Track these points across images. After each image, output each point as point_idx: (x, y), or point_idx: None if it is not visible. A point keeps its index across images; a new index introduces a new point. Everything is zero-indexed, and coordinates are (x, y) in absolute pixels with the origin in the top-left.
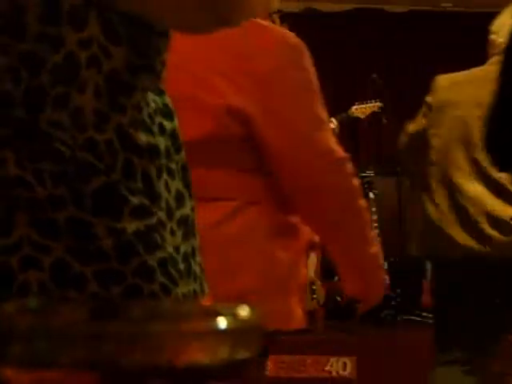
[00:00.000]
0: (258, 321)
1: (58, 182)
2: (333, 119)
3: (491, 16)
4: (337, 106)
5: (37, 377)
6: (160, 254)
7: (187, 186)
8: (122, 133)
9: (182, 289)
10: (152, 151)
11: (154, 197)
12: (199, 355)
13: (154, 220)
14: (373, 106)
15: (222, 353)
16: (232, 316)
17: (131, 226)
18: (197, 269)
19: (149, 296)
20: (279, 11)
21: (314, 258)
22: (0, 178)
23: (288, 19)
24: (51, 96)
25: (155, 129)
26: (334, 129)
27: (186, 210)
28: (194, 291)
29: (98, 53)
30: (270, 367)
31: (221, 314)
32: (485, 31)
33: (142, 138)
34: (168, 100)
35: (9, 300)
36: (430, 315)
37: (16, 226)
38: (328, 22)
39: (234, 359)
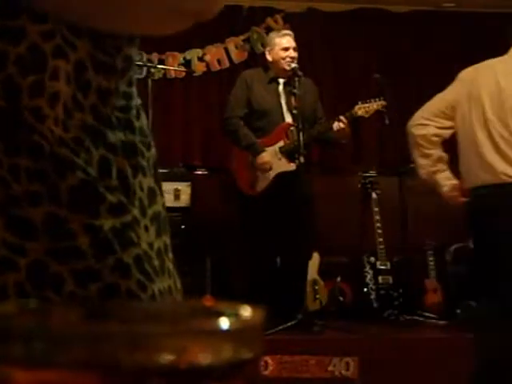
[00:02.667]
0: (260, 321)
1: (33, 177)
2: (342, 117)
3: (493, 16)
4: (339, 107)
5: (36, 377)
6: (135, 251)
7: (158, 182)
8: (93, 130)
9: (158, 285)
10: (127, 149)
11: (129, 194)
12: (201, 355)
13: (129, 217)
14: (376, 104)
15: (225, 353)
16: (234, 316)
17: (108, 223)
18: (170, 265)
19: (126, 293)
20: (282, 11)
21: (316, 258)
22: None
23: (291, 19)
24: (24, 86)
25: (126, 127)
26: (344, 128)
27: (158, 207)
28: (169, 288)
29: (63, 44)
30: (273, 367)
31: (223, 314)
32: (487, 31)
33: (116, 135)
34: (137, 99)
35: None
36: (433, 315)
37: None
38: (330, 22)
39: (237, 359)
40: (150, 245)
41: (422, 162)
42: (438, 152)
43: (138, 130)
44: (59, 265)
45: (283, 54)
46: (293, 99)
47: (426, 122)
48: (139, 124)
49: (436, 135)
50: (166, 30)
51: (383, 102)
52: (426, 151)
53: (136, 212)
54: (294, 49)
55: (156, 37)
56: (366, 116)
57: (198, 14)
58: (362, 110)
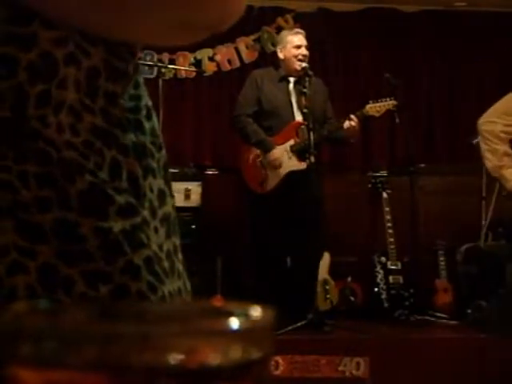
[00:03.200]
0: (270, 321)
1: (42, 183)
2: (352, 116)
3: (505, 16)
4: (349, 106)
5: (45, 377)
6: (146, 253)
7: (168, 183)
8: (104, 132)
9: (168, 287)
10: (137, 150)
11: (139, 196)
12: (211, 356)
13: (139, 219)
14: (387, 104)
15: (234, 353)
16: (244, 316)
17: (117, 226)
18: (179, 266)
19: (136, 295)
20: (292, 11)
21: (327, 258)
22: None
23: (301, 19)
24: (32, 94)
25: (137, 128)
26: (354, 126)
27: (168, 208)
28: (179, 289)
29: (76, 51)
30: (284, 367)
31: (233, 314)
32: (498, 30)
33: (127, 137)
34: (147, 100)
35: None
36: (444, 315)
37: (1, 232)
38: (341, 22)
39: (247, 360)
40: (160, 246)
41: (488, 156)
42: (504, 147)
43: (148, 131)
44: (69, 267)
45: (295, 51)
46: (303, 98)
47: (495, 120)
48: (150, 125)
49: (503, 132)
50: (178, 41)
51: (394, 102)
52: (494, 146)
53: (146, 213)
54: (306, 47)
55: (168, 47)
56: (377, 115)
57: (212, 26)
58: (372, 109)
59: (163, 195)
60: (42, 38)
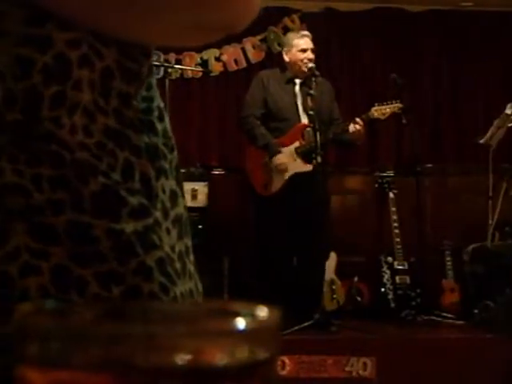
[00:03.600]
0: (276, 321)
1: (56, 185)
2: (358, 119)
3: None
4: (356, 106)
5: (51, 377)
6: (158, 254)
7: (179, 184)
8: (117, 133)
9: (179, 288)
10: (150, 152)
11: (152, 197)
12: (217, 356)
13: (151, 220)
14: (393, 106)
15: (241, 353)
16: (251, 316)
17: (129, 227)
18: (191, 267)
19: (148, 296)
20: (299, 11)
21: (333, 258)
22: None
23: (307, 19)
24: (46, 96)
25: (149, 130)
26: (360, 129)
27: (180, 209)
28: (191, 290)
29: (89, 53)
30: (290, 367)
31: (239, 315)
32: (505, 30)
33: (140, 138)
34: (159, 101)
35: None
36: (450, 315)
37: (13, 234)
38: (347, 22)
39: (253, 360)
40: (172, 247)
41: None
42: None
43: (160, 132)
44: (82, 268)
45: (301, 55)
46: (309, 100)
47: None
48: (162, 126)
49: None
50: (192, 42)
51: (400, 105)
52: None
53: (158, 215)
54: (312, 50)
55: (182, 48)
56: (382, 118)
57: (227, 27)
58: (378, 111)
59: (175, 196)
60: (56, 40)
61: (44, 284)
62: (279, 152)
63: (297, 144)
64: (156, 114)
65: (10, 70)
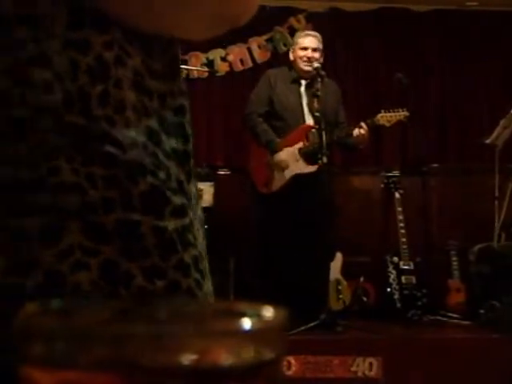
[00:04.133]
0: (282, 321)
1: (108, 184)
2: (363, 124)
3: None
4: (361, 106)
5: (57, 377)
6: (193, 252)
7: (196, 186)
8: (156, 134)
9: (207, 285)
10: (179, 155)
11: (187, 198)
12: (223, 356)
13: (187, 220)
14: (399, 115)
15: (246, 354)
16: (256, 316)
17: (171, 225)
18: (207, 267)
19: (186, 290)
20: (304, 11)
21: (339, 258)
22: (55, 186)
23: (313, 19)
24: (94, 95)
25: (179, 133)
26: (364, 134)
27: (200, 211)
28: (210, 289)
29: (121, 53)
30: (296, 368)
31: (245, 315)
32: (510, 30)
33: (170, 141)
34: (185, 102)
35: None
36: (456, 315)
37: (67, 233)
38: (353, 22)
39: (259, 360)
40: (201, 246)
41: None
42: None
43: (190, 137)
44: (129, 262)
45: (301, 53)
46: (315, 100)
47: None
48: (190, 132)
49: None
50: (207, 34)
51: (406, 113)
52: None
53: (191, 215)
54: (314, 50)
55: (195, 41)
56: (388, 125)
57: (237, 17)
58: (384, 118)
59: (197, 198)
60: (94, 42)
61: (94, 279)
62: (280, 149)
63: (300, 145)
64: (188, 117)
65: (66, 71)
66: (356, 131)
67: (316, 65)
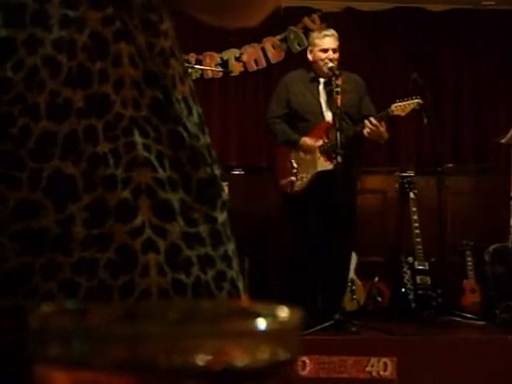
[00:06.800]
0: (297, 321)
1: (173, 165)
2: (366, 121)
3: None
4: (376, 106)
5: (73, 377)
6: (232, 246)
7: None
8: (201, 127)
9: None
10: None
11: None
12: (238, 357)
13: (226, 215)
14: (412, 102)
15: (261, 354)
16: (271, 317)
17: (220, 217)
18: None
19: (230, 281)
20: (319, 11)
21: (353, 258)
22: (130, 160)
23: (328, 19)
24: (176, 77)
25: (202, 129)
26: (374, 129)
27: None
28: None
29: (123, 29)
30: (311, 368)
31: (260, 315)
32: None
33: (205, 137)
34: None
35: (134, 282)
36: (471, 316)
37: (140, 209)
38: (368, 22)
39: (274, 361)
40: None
41: None
42: None
43: (206, 134)
44: (189, 249)
45: (322, 55)
46: (333, 98)
47: None
48: (205, 139)
49: None
50: (258, 19)
51: (419, 101)
52: None
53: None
54: (334, 50)
55: (243, 27)
56: (403, 114)
57: (266, 14)
58: (398, 108)
59: None
60: (89, 19)
61: (160, 262)
62: (300, 139)
63: (320, 142)
64: (199, 120)
65: (145, 50)
66: (365, 131)
67: (330, 64)
